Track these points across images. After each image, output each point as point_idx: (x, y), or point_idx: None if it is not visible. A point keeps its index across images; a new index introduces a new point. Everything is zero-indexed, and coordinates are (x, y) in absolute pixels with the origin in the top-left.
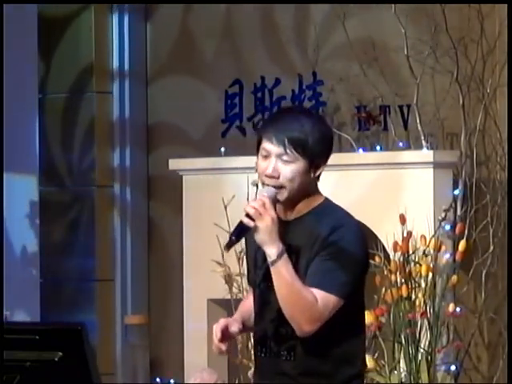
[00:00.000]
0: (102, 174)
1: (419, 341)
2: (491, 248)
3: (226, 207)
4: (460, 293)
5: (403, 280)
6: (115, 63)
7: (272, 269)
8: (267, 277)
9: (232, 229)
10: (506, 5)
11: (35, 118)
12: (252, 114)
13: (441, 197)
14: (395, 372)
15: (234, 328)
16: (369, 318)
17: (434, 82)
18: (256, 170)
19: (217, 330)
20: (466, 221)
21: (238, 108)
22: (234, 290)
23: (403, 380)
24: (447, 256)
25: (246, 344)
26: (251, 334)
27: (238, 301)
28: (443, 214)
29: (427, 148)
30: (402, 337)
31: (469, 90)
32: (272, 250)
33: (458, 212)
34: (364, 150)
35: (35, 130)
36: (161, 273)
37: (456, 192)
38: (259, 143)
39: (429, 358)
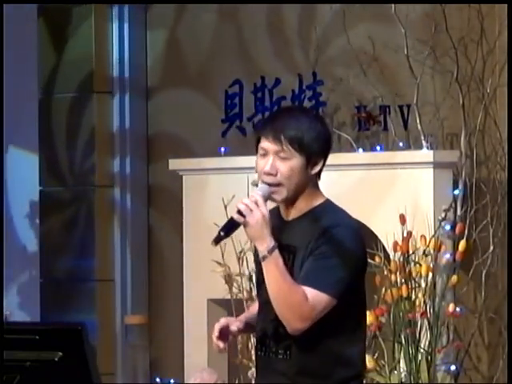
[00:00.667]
0: (101, 174)
1: (419, 341)
2: (491, 248)
3: (226, 207)
4: (460, 293)
5: (403, 280)
6: (115, 61)
7: (263, 264)
8: None
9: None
10: (505, 5)
11: (35, 118)
12: (252, 113)
13: (441, 197)
14: (395, 372)
15: (234, 327)
16: (369, 318)
17: (434, 82)
18: (256, 171)
19: (216, 327)
20: (466, 221)
21: (238, 108)
22: (234, 290)
23: (403, 380)
24: (447, 256)
25: (246, 344)
26: (251, 335)
27: (238, 301)
28: (443, 214)
29: (427, 148)
30: (402, 337)
31: (469, 90)
32: (262, 246)
33: (458, 212)
34: (364, 150)
35: (35, 130)
36: (161, 273)
37: (456, 192)
38: (258, 143)
39: (429, 358)
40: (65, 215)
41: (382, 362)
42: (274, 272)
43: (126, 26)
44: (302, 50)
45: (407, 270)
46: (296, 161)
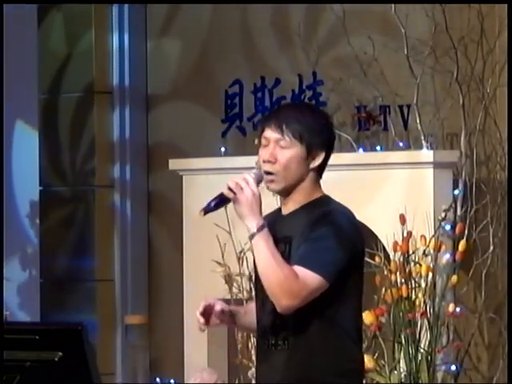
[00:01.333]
0: (102, 174)
1: (419, 341)
2: (491, 248)
3: (226, 207)
4: (460, 293)
5: (403, 280)
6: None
7: (252, 243)
8: None
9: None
10: (505, 5)
11: (35, 118)
12: (252, 113)
13: (441, 197)
14: (395, 372)
15: (218, 306)
16: (369, 318)
17: (434, 82)
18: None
19: (202, 303)
20: (466, 221)
21: (238, 108)
22: (234, 290)
23: (403, 380)
24: (447, 256)
25: (246, 344)
26: (251, 334)
27: (238, 301)
28: (443, 214)
29: (427, 148)
30: (402, 337)
31: (469, 90)
32: (252, 224)
33: (458, 212)
34: (364, 150)
35: (35, 131)
36: (161, 273)
37: (456, 192)
38: (261, 134)
39: (429, 357)
40: (65, 215)
41: (382, 361)
42: (263, 249)
43: (126, 36)
44: (302, 50)
45: (407, 270)
46: (296, 150)
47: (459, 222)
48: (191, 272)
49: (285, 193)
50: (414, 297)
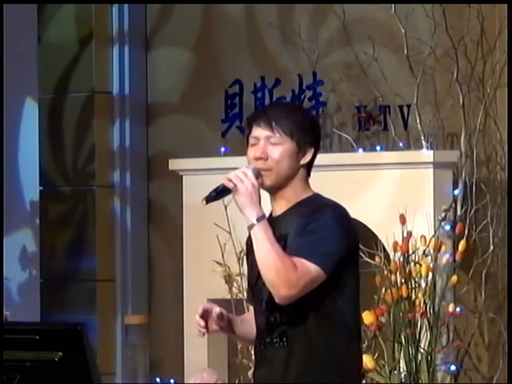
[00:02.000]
0: (101, 168)
1: (419, 341)
2: (491, 248)
3: (226, 207)
4: (460, 293)
5: (403, 280)
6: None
7: (251, 233)
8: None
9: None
10: (505, 5)
11: (35, 118)
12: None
13: (441, 197)
14: (395, 372)
15: (217, 309)
16: (369, 318)
17: (434, 82)
18: (248, 161)
19: (200, 306)
20: (466, 221)
21: (238, 108)
22: (234, 290)
23: (403, 380)
24: (447, 256)
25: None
26: None
27: (238, 301)
28: (443, 214)
29: (427, 148)
30: (402, 337)
31: (469, 90)
32: (252, 214)
33: (458, 212)
34: (364, 150)
35: (35, 130)
36: (161, 273)
37: (456, 192)
38: (249, 135)
39: (429, 357)
40: (65, 215)
41: (382, 361)
42: (263, 239)
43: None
44: (302, 50)
45: (407, 270)
46: (287, 146)
47: (459, 222)
48: (191, 272)
49: (275, 189)
50: (413, 297)
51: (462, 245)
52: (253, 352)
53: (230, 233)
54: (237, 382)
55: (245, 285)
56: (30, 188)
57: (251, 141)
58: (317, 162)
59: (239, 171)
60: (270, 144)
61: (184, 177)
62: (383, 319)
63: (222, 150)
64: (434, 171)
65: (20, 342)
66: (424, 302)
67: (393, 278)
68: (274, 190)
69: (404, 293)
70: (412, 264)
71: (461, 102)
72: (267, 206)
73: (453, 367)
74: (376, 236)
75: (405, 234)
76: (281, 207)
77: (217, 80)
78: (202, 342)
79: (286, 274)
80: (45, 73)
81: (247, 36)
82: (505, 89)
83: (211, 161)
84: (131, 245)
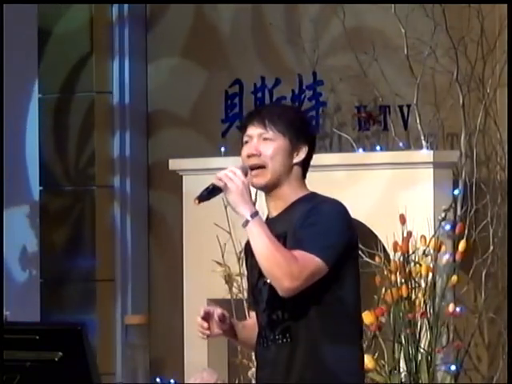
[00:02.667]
0: (101, 173)
1: (419, 341)
2: (491, 248)
3: (226, 207)
4: (460, 293)
5: (403, 280)
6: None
7: (246, 230)
8: (262, 274)
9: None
10: (506, 5)
11: (35, 118)
12: None
13: (441, 197)
14: (395, 372)
15: (219, 310)
16: (369, 318)
17: (434, 81)
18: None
19: (202, 308)
20: (466, 221)
21: (238, 108)
22: (234, 289)
23: (403, 380)
24: (447, 256)
25: None
26: None
27: (238, 301)
28: (443, 214)
29: (427, 148)
30: (402, 337)
31: (469, 90)
32: (245, 211)
33: (458, 212)
34: (364, 150)
35: (35, 130)
36: (161, 273)
37: (456, 192)
38: (243, 136)
39: (429, 357)
40: (65, 215)
41: (382, 361)
42: (259, 234)
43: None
44: (301, 50)
45: (407, 270)
46: (280, 143)
47: (459, 222)
48: (191, 272)
49: (270, 188)
50: (413, 297)
51: (462, 245)
52: (253, 353)
53: (230, 233)
54: (237, 382)
55: (245, 285)
56: (30, 188)
57: (245, 139)
58: (317, 162)
59: (228, 170)
60: (263, 140)
61: (184, 177)
62: (383, 319)
63: (222, 150)
64: (433, 171)
65: (20, 342)
66: (424, 301)
67: (393, 277)
68: (268, 189)
69: (404, 293)
70: (412, 264)
71: (461, 102)
72: (263, 210)
73: (453, 367)
74: (376, 236)
75: (405, 234)
76: (276, 208)
77: (217, 80)
78: (202, 342)
79: (287, 265)
80: (48, 74)
81: (247, 36)
82: (505, 89)
83: (211, 161)
84: (131, 244)
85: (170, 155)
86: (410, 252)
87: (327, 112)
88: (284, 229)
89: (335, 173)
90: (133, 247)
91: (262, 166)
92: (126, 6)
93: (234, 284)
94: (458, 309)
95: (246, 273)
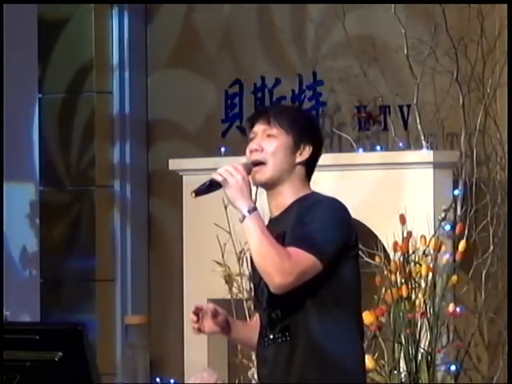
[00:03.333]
0: (101, 173)
1: (419, 341)
2: (491, 248)
3: (226, 207)
4: (460, 293)
5: (403, 280)
6: (115, 60)
7: (243, 225)
8: None
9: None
10: (505, 5)
11: (35, 118)
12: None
13: (441, 197)
14: (395, 372)
15: (211, 305)
16: (369, 318)
17: (434, 81)
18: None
19: (195, 305)
20: (466, 221)
21: (238, 108)
22: (234, 289)
23: (403, 380)
24: (447, 256)
25: None
26: None
27: (238, 301)
28: (443, 214)
29: (427, 148)
30: (402, 337)
31: (469, 90)
32: (243, 206)
33: (458, 212)
34: (364, 150)
35: (35, 130)
36: (161, 273)
37: (456, 192)
38: (249, 133)
39: (429, 357)
40: (65, 215)
41: (382, 361)
42: (255, 230)
43: (126, 19)
44: (301, 50)
45: (407, 270)
46: (282, 140)
47: (459, 222)
48: (191, 272)
49: (271, 185)
50: (413, 297)
51: (461, 245)
52: (253, 352)
53: (230, 233)
54: (237, 382)
55: (245, 285)
56: (31, 188)
57: (250, 136)
58: None
59: (230, 166)
60: (267, 137)
61: (184, 177)
62: (383, 319)
63: (222, 149)
64: (433, 171)
65: (20, 342)
66: (424, 302)
67: (393, 277)
68: (269, 187)
69: (404, 293)
70: (412, 264)
71: (461, 102)
72: (263, 210)
73: (453, 367)
74: (376, 236)
75: (405, 234)
76: (277, 207)
77: (217, 80)
78: (202, 342)
79: (279, 261)
80: (51, 75)
81: (247, 36)
82: (505, 89)
83: (211, 161)
84: (131, 244)
85: (169, 156)
86: (410, 252)
87: (327, 112)
88: (283, 229)
89: (335, 173)
90: (133, 247)
91: (262, 163)
92: (125, 13)
93: (234, 284)
94: (458, 309)
95: (246, 273)
